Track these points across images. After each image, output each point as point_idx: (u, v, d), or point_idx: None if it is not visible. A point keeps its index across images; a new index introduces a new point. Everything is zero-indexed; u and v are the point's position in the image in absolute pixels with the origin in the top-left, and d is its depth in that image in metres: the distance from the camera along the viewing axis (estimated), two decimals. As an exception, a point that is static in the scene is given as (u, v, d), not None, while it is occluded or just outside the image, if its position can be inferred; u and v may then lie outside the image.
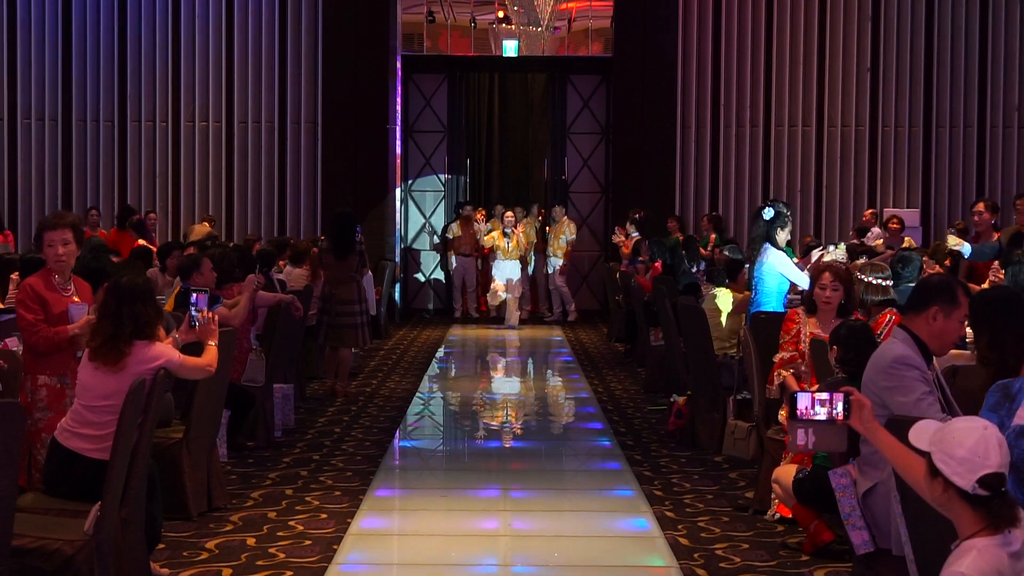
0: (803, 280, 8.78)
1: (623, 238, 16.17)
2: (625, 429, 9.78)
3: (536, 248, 18.52)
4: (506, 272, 17.29)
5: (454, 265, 18.59)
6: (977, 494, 3.20)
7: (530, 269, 18.55)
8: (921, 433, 3.38)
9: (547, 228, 18.62)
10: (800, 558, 6.10)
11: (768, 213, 9.11)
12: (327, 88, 18.06)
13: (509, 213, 17.59)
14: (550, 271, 18.37)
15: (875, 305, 7.31)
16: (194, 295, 5.95)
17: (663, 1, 18.11)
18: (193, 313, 5.86)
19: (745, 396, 8.43)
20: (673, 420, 9.23)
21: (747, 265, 9.76)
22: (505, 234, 17.34)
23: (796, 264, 9.50)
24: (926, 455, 3.33)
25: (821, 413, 3.91)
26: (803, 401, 3.93)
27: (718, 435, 8.75)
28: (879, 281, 7.48)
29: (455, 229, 18.60)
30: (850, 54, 18.25)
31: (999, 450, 3.22)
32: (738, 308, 9.65)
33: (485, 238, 17.58)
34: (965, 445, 3.22)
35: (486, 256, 18.13)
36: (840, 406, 3.89)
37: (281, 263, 12.30)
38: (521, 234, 17.52)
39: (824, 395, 3.91)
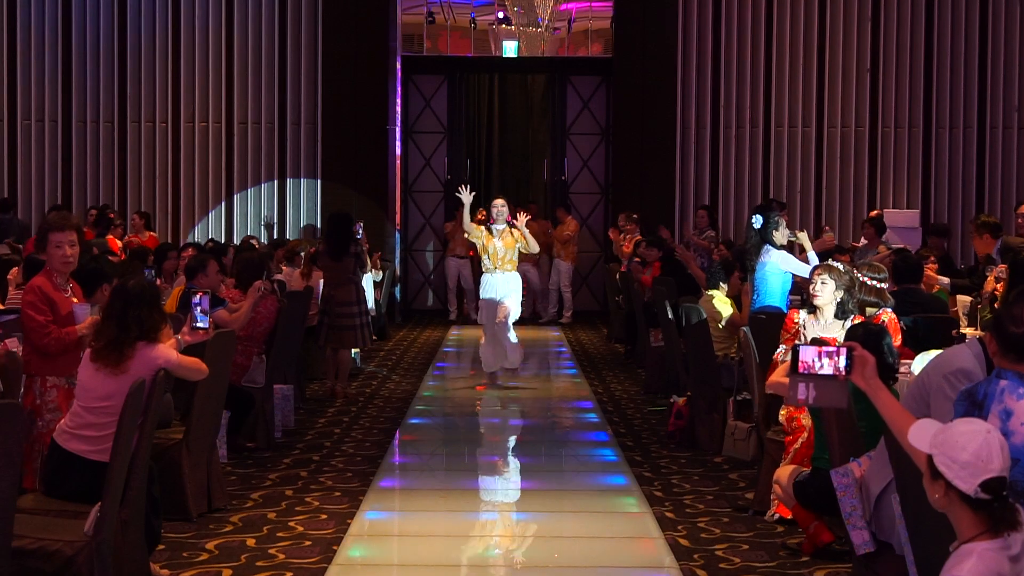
0: (806, 271, 8.82)
1: (621, 237, 16.18)
2: (625, 430, 9.78)
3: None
4: (496, 289, 11.90)
5: (449, 267, 18.61)
6: (979, 498, 3.20)
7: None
8: (921, 433, 3.38)
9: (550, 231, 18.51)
10: (800, 559, 6.10)
11: (757, 221, 9.18)
12: (327, 88, 18.05)
13: (499, 200, 12.15)
14: (554, 275, 18.32)
15: (869, 305, 7.30)
16: (196, 296, 5.96)
17: (663, 1, 18.11)
18: (196, 314, 5.87)
19: (745, 397, 8.44)
20: (673, 421, 9.23)
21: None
22: (492, 231, 11.89)
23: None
24: (927, 457, 3.32)
25: (826, 367, 3.87)
26: (806, 354, 3.88)
27: (718, 436, 8.75)
28: (874, 282, 7.48)
29: (448, 231, 18.58)
30: (850, 54, 18.25)
31: (1001, 454, 3.23)
32: (731, 326, 9.58)
33: (473, 231, 11.92)
34: (969, 449, 3.22)
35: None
36: (843, 360, 3.85)
37: (283, 267, 12.31)
38: (516, 238, 11.89)
39: (829, 349, 3.89)
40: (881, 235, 13.12)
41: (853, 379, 3.88)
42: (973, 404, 4.09)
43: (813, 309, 7.01)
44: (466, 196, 11.87)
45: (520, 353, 12.13)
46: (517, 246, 11.82)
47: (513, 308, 11.94)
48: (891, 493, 4.77)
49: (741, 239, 16.11)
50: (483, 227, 11.94)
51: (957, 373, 4.53)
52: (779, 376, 6.18)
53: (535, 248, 12.02)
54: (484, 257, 11.89)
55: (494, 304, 11.85)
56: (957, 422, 3.38)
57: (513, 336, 11.96)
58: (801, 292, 9.32)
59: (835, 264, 7.08)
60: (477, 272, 17.80)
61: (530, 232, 12.14)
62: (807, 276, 8.79)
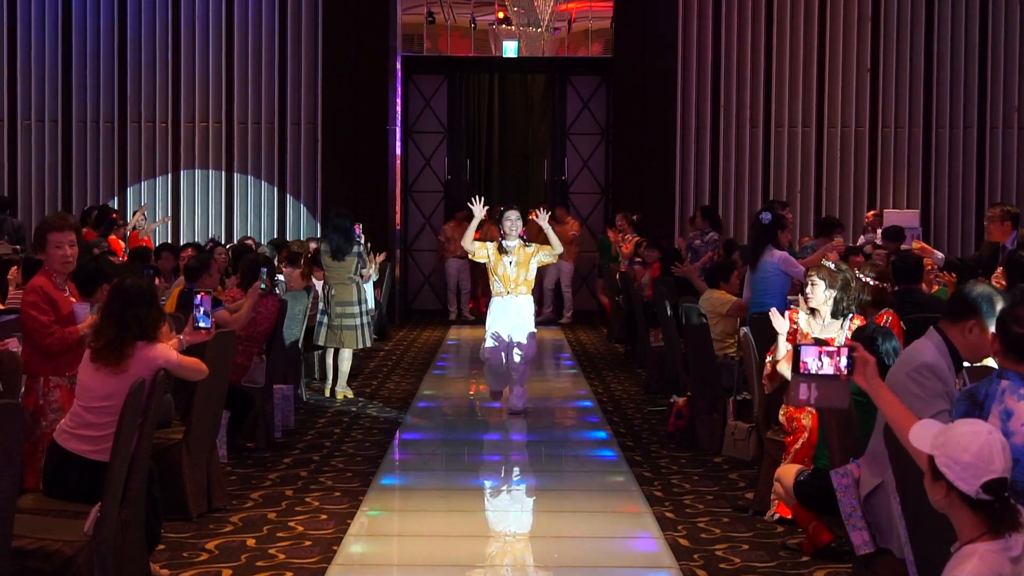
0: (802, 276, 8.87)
1: (621, 238, 16.18)
2: (625, 430, 9.78)
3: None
4: (509, 316, 10.44)
5: (448, 268, 18.60)
6: (981, 499, 3.19)
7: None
8: (923, 434, 3.37)
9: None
10: (800, 559, 6.10)
11: (766, 218, 9.21)
12: (327, 88, 18.05)
13: (513, 212, 10.51)
14: (553, 275, 18.29)
15: (871, 306, 7.29)
16: (198, 297, 5.96)
17: (663, 2, 18.11)
18: (197, 315, 5.87)
19: (745, 397, 8.44)
20: (673, 421, 9.23)
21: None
22: (504, 248, 10.39)
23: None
24: (928, 457, 3.32)
25: (827, 367, 3.90)
26: (808, 354, 3.91)
27: (718, 436, 8.76)
28: (877, 282, 7.48)
29: (448, 232, 18.60)
30: (850, 54, 18.25)
31: (1003, 455, 3.22)
32: (732, 312, 9.66)
33: (475, 249, 10.45)
34: (970, 450, 3.21)
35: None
36: (845, 360, 3.89)
37: (284, 267, 12.30)
38: (533, 252, 10.42)
39: (830, 349, 3.91)
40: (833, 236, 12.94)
41: (855, 379, 3.90)
42: (974, 404, 4.10)
43: (813, 310, 7.00)
44: (478, 209, 10.38)
45: (522, 398, 10.55)
46: (533, 262, 10.35)
47: (531, 347, 10.51)
48: (880, 496, 4.78)
49: (742, 239, 16.13)
50: (488, 244, 10.43)
51: (920, 368, 4.57)
52: (787, 360, 6.19)
53: (559, 248, 10.48)
54: (494, 279, 10.38)
55: (504, 341, 10.38)
56: (958, 423, 3.38)
57: (522, 378, 10.52)
58: (801, 292, 9.33)
59: (827, 264, 7.07)
60: (477, 273, 17.90)
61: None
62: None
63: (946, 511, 3.29)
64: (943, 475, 3.25)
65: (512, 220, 10.38)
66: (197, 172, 18.20)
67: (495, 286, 10.41)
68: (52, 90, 18.00)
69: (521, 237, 10.42)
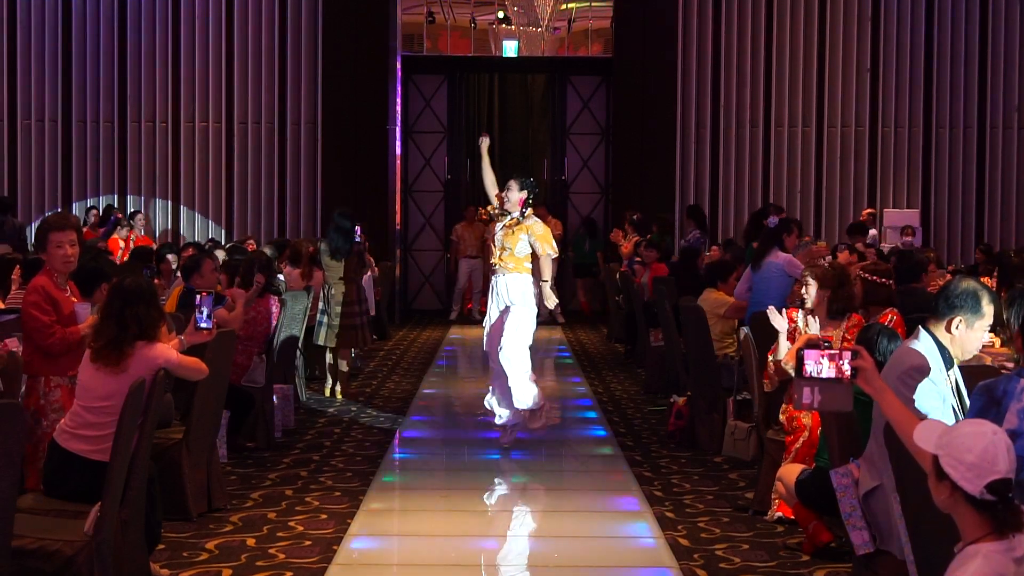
0: None
1: (622, 239, 16.18)
2: (625, 430, 9.78)
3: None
4: (498, 300, 9.09)
5: (460, 267, 18.54)
6: (984, 499, 3.19)
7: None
8: (927, 433, 3.37)
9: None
10: (800, 559, 6.10)
11: (773, 222, 9.25)
12: (327, 88, 18.06)
13: (511, 181, 9.23)
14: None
15: (875, 304, 7.29)
16: (199, 296, 5.95)
17: (663, 1, 18.12)
18: (198, 315, 5.87)
19: (745, 397, 8.44)
20: (673, 421, 9.23)
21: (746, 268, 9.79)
22: (492, 217, 9.45)
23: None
24: (933, 457, 3.32)
25: (829, 370, 3.94)
26: (810, 358, 3.95)
27: (718, 436, 8.76)
28: (882, 280, 7.47)
29: (459, 231, 18.59)
30: (850, 54, 18.26)
31: (1007, 456, 3.22)
32: (728, 313, 9.65)
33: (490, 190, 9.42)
34: (974, 451, 3.21)
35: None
36: (847, 364, 3.93)
37: (284, 266, 12.30)
38: (527, 228, 9.01)
39: (832, 352, 3.95)
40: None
41: (858, 383, 3.91)
42: (992, 400, 4.11)
43: (811, 310, 7.01)
44: (484, 143, 9.44)
45: (534, 395, 9.05)
46: (524, 237, 8.98)
47: (516, 335, 8.93)
48: (878, 497, 4.78)
49: (740, 239, 16.12)
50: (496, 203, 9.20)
51: (910, 371, 4.60)
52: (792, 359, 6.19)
53: (540, 250, 9.04)
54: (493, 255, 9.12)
55: (494, 325, 9.05)
56: (963, 423, 3.38)
57: (521, 373, 9.00)
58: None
59: (821, 263, 7.07)
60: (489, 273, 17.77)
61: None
62: None
63: (950, 511, 3.29)
64: (947, 475, 3.25)
65: (505, 193, 9.10)
66: (197, 172, 18.20)
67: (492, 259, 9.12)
68: (52, 90, 18.01)
69: (521, 211, 9.06)
